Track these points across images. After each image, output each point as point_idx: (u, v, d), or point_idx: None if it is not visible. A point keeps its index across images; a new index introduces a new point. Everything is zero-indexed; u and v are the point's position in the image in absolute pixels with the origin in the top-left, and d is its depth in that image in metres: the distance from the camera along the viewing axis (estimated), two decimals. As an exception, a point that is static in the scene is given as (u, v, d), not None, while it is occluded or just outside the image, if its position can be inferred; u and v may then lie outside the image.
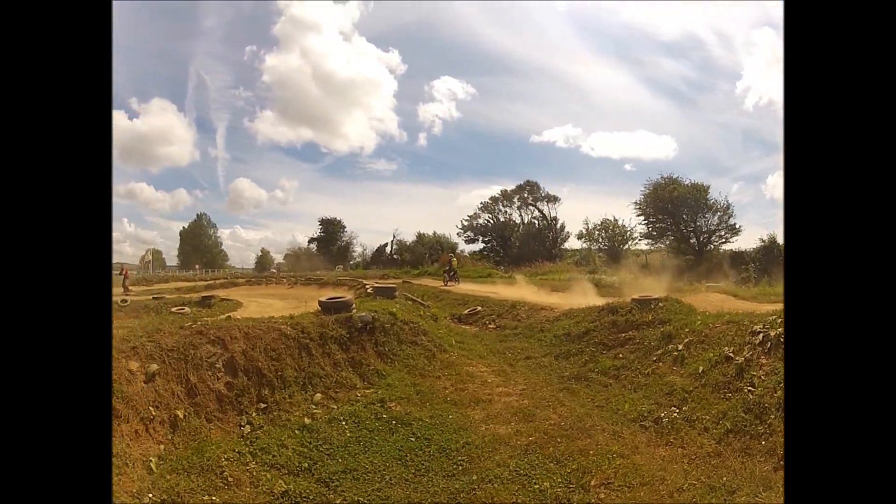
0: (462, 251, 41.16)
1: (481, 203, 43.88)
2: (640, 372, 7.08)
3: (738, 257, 29.38)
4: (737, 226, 32.55)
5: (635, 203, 33.89)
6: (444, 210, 67.14)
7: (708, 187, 32.79)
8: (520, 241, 40.78)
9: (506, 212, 42.93)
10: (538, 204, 41.89)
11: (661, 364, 6.93)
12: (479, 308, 13.43)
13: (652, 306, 8.55)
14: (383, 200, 64.90)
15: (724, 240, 32.80)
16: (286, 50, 60.31)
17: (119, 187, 54.11)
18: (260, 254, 53.30)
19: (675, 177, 33.11)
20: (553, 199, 41.62)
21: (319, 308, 8.15)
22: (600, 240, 35.81)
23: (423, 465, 4.91)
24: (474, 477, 4.62)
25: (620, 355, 7.76)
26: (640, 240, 35.44)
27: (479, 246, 43.02)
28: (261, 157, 63.84)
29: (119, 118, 51.17)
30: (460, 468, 4.84)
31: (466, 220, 43.27)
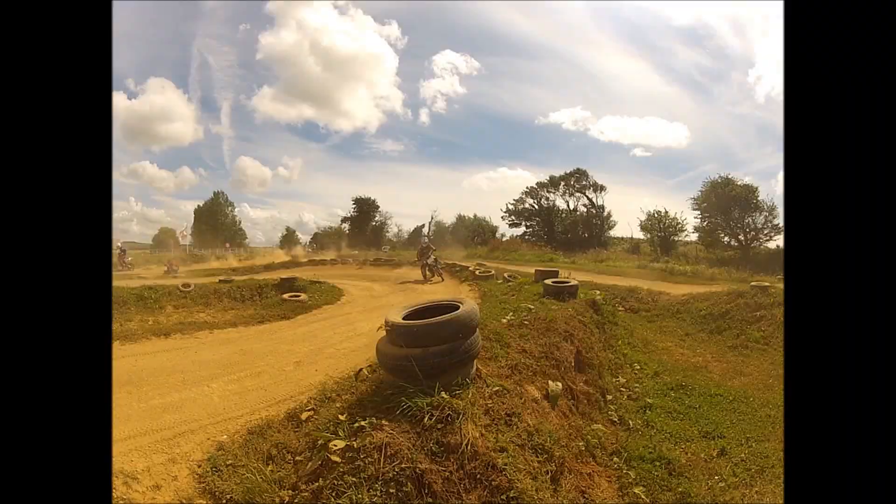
0: (502, 234, 42.47)
1: (527, 188, 44.65)
2: (782, 339, 10.27)
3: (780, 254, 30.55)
4: (780, 225, 33.19)
5: (693, 199, 35.42)
6: (452, 192, 65.64)
7: (756, 188, 34.05)
8: (565, 227, 41.88)
9: (547, 197, 43.57)
10: (586, 192, 42.37)
11: (796, 334, 10.03)
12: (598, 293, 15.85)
13: (768, 291, 11.80)
14: (390, 181, 63.45)
15: (768, 237, 34.09)
16: (283, 26, 58.01)
17: (122, 167, 51.87)
18: (285, 233, 51.54)
19: (729, 176, 34.50)
20: (600, 188, 42.19)
21: (543, 290, 8.81)
22: (653, 231, 36.90)
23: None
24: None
25: (762, 329, 10.78)
26: (690, 233, 36.47)
27: (521, 230, 43.83)
28: (265, 136, 61.91)
29: (118, 99, 49.12)
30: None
31: (511, 205, 44.05)
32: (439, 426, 3.09)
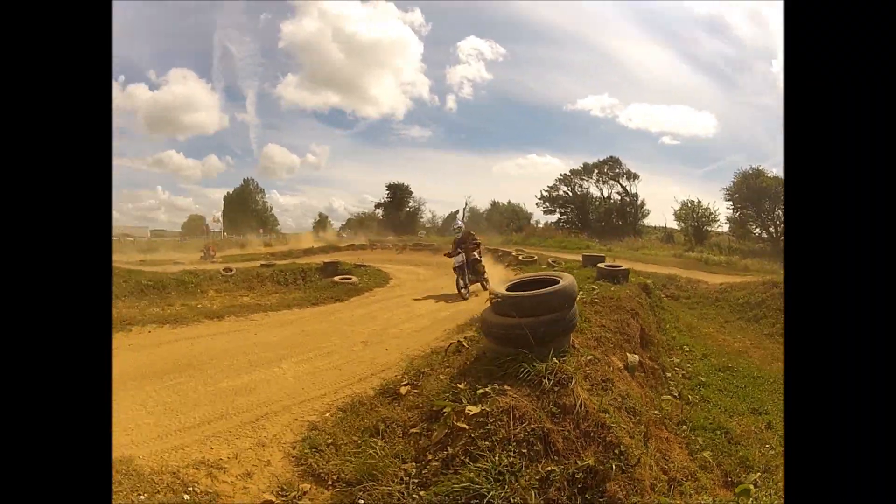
0: (537, 221, 41.87)
1: (561, 175, 43.87)
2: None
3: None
4: (808, 219, 33.80)
5: (725, 189, 34.89)
6: (481, 179, 63.54)
7: (787, 181, 33.82)
8: (599, 215, 41.29)
9: (581, 185, 42.79)
10: (620, 180, 41.57)
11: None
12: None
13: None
14: (419, 168, 62.15)
15: (797, 230, 34.08)
16: (305, 15, 58.18)
17: (147, 157, 52.92)
18: (317, 218, 50.26)
19: (760, 168, 33.87)
20: (633, 176, 41.50)
21: (597, 274, 9.17)
22: (687, 220, 35.79)
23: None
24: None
25: (797, 318, 11.22)
26: (722, 223, 35.72)
27: (555, 217, 42.98)
28: (291, 124, 59.49)
29: (139, 91, 49.96)
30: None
31: (546, 191, 43.40)
32: (556, 389, 3.27)
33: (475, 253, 11.56)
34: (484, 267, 11.90)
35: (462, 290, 10.82)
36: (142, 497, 2.95)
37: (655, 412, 4.71)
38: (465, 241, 11.68)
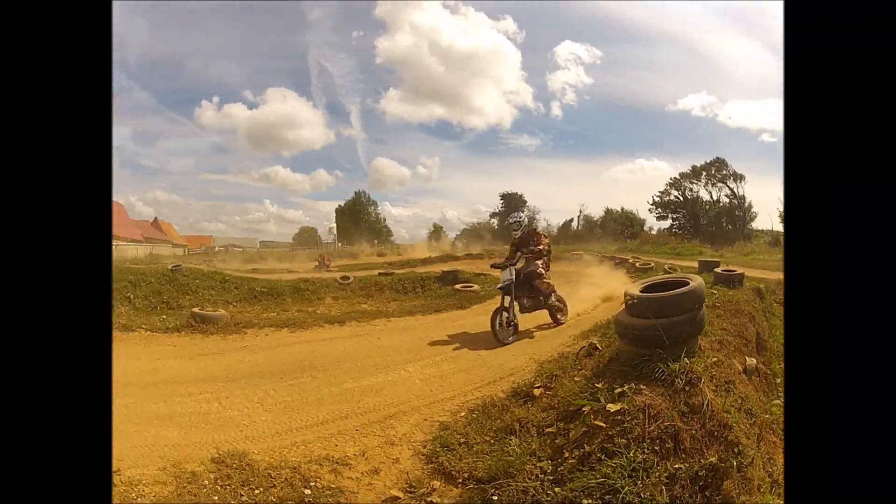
0: (650, 227, 41.88)
1: (671, 178, 44.21)
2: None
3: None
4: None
5: None
6: (591, 186, 64.17)
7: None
8: (709, 220, 40.99)
9: (691, 189, 42.98)
10: (727, 182, 41.63)
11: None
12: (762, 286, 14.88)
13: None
14: (529, 176, 65.21)
15: (897, 228, 31.65)
16: (397, 30, 61.04)
17: (252, 173, 59.46)
18: (432, 229, 52.88)
19: None
20: (739, 178, 41.51)
21: (713, 279, 8.86)
22: None
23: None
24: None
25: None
26: None
27: (667, 223, 43.33)
28: (398, 137, 63.59)
29: (237, 110, 53.80)
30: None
31: (657, 196, 43.82)
32: (686, 389, 3.36)
33: (538, 262, 7.73)
34: (551, 285, 7.82)
35: (497, 331, 7.05)
36: (256, 491, 3.04)
37: (767, 416, 5.07)
38: (526, 243, 7.88)
